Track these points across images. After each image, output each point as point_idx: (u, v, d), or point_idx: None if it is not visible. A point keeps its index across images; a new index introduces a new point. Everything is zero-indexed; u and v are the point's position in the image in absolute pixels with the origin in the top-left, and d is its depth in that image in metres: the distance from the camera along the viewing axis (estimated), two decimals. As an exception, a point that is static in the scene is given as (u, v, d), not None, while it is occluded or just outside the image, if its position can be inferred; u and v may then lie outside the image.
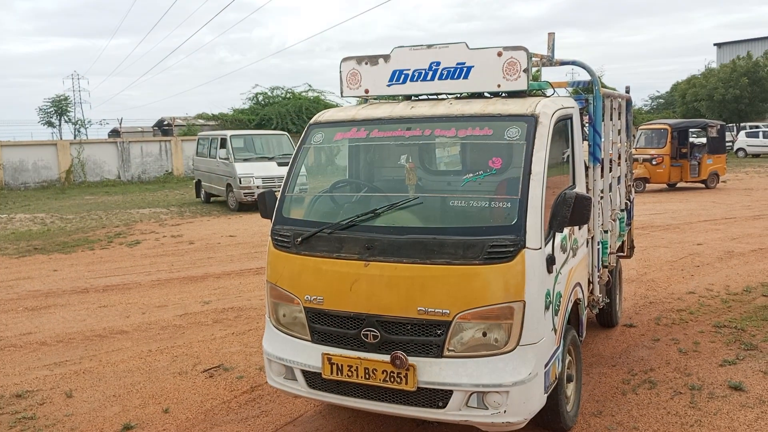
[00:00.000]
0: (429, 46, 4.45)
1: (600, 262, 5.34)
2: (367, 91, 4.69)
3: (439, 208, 4.26)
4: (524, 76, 4.24)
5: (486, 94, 4.57)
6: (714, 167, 21.09)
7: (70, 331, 7.20)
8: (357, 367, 3.87)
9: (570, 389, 4.60)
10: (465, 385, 3.66)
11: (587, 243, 4.94)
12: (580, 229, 4.62)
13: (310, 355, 4.05)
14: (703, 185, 21.07)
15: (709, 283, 8.49)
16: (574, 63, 5.14)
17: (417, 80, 4.54)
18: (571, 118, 4.67)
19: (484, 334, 3.70)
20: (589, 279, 5.09)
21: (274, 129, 31.46)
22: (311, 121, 4.74)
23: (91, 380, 5.75)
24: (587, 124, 5.07)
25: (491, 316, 3.68)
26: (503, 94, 4.47)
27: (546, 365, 3.86)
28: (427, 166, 5.28)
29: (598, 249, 5.18)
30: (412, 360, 3.74)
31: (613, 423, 4.62)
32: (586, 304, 4.92)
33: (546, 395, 3.90)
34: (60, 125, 46.18)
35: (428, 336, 3.74)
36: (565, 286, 4.22)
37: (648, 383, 5.29)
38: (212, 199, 20.67)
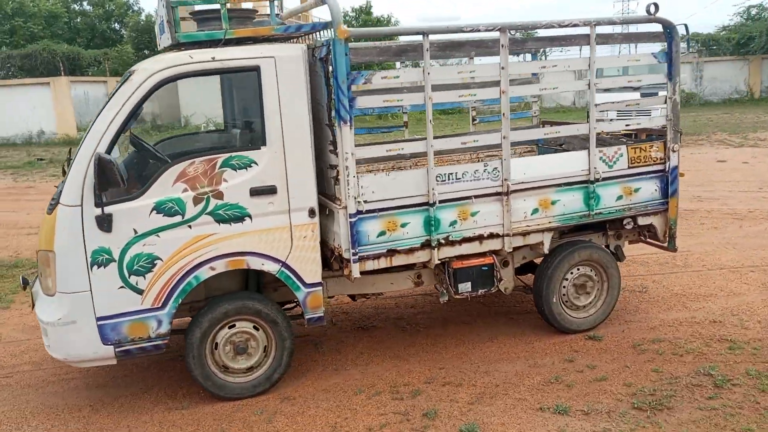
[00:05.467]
0: None
1: (353, 237, 4.34)
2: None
3: None
4: (168, 30, 4.10)
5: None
6: None
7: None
8: None
9: (251, 361, 4.44)
10: (39, 316, 4.23)
11: (311, 212, 4.29)
12: (255, 196, 4.13)
13: None
14: None
15: None
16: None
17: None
18: (257, 70, 4.13)
19: (41, 275, 4.18)
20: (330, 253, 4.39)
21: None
22: None
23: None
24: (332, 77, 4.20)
25: (41, 260, 4.16)
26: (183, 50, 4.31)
27: (107, 319, 4.04)
28: None
29: (353, 222, 4.31)
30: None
31: (277, 409, 4.26)
32: (301, 279, 4.33)
33: (115, 348, 4.08)
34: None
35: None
36: (176, 252, 4.08)
37: (409, 394, 4.32)
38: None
